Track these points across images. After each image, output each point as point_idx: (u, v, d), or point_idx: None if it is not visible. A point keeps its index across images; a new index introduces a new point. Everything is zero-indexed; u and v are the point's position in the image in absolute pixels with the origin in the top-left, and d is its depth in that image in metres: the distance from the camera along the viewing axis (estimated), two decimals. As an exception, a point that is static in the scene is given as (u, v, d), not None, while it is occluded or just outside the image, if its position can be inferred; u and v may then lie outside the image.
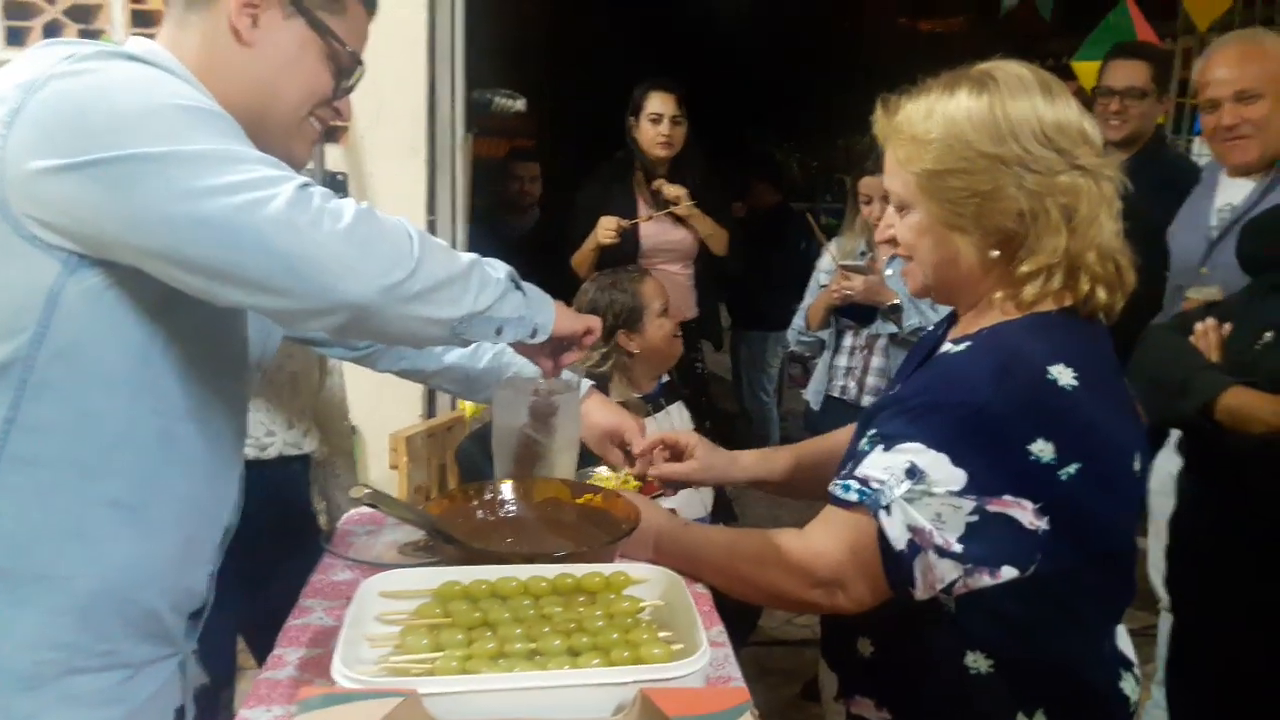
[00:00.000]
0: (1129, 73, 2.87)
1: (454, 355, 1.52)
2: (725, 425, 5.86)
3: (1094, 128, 1.18)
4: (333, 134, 2.90)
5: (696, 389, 3.66)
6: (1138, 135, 2.88)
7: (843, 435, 1.53)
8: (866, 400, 2.93)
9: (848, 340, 3.06)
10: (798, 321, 3.20)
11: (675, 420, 2.50)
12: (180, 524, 1.13)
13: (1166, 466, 2.21)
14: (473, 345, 1.48)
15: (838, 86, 10.31)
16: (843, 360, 3.07)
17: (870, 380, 2.97)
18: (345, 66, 1.18)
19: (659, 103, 3.44)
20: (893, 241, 1.26)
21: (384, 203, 2.96)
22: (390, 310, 1.01)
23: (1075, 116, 1.17)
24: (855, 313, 2.97)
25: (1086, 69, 3.84)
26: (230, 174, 0.95)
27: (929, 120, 1.17)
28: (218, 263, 0.96)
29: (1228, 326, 1.64)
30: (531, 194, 4.59)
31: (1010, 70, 1.18)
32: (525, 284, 1.18)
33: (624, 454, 1.58)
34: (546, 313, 1.20)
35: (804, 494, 1.57)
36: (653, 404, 2.46)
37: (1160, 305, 2.43)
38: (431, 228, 3.06)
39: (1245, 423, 1.46)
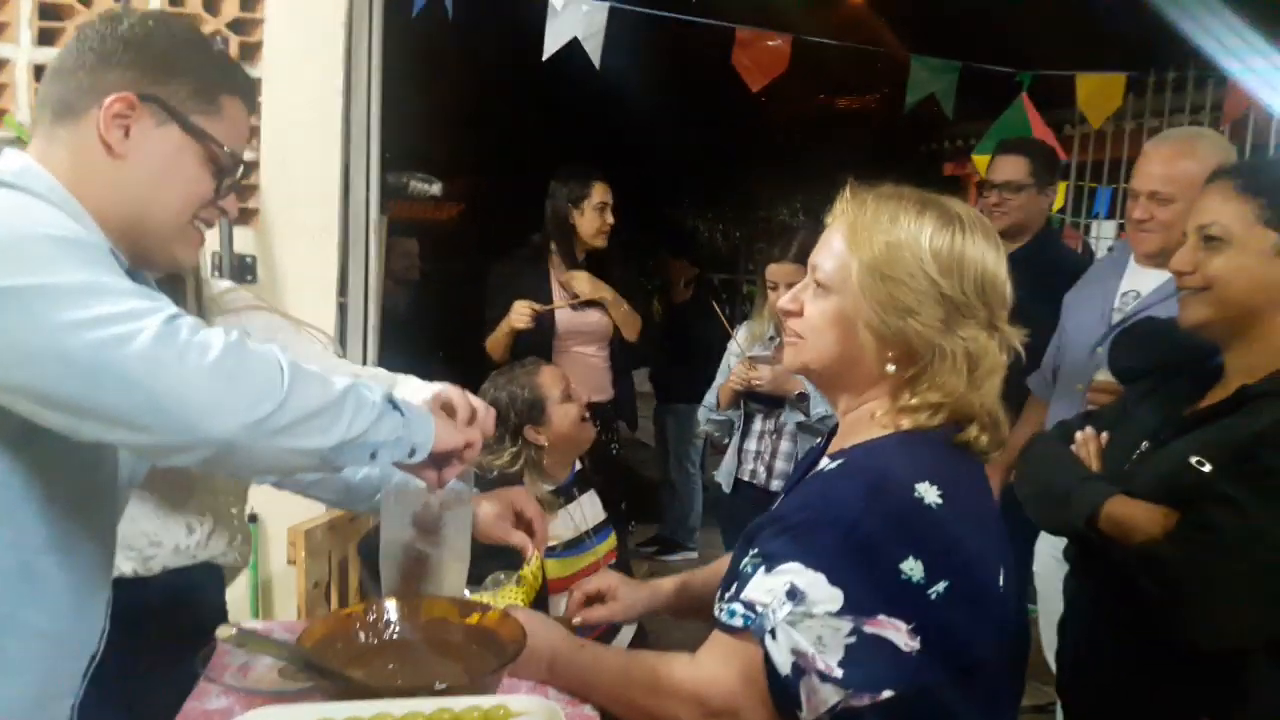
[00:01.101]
0: (1008, 168, 3.02)
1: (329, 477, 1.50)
2: (649, 498, 5.89)
3: (1011, 293, 1.23)
4: (243, 216, 2.86)
5: (611, 474, 3.65)
6: (1022, 226, 3.03)
7: None
8: (775, 485, 2.95)
9: (757, 424, 3.08)
10: (709, 400, 3.22)
11: (586, 510, 2.48)
12: (39, 660, 1.08)
13: (1047, 549, 2.26)
14: None
15: (758, 158, 10.59)
16: (752, 444, 3.10)
17: (779, 465, 3.00)
18: (226, 166, 1.17)
19: (603, 192, 3.52)
20: (794, 314, 1.28)
21: (295, 284, 2.93)
22: (257, 445, 0.99)
23: (1005, 278, 1.23)
24: (764, 398, 3.01)
25: (985, 162, 3.99)
26: (95, 307, 0.93)
27: (894, 225, 1.21)
28: (79, 399, 0.93)
29: (1105, 436, 1.70)
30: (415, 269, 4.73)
31: (977, 217, 1.25)
32: (404, 402, 1.17)
33: (525, 527, 1.59)
34: (426, 430, 1.19)
35: None
36: (564, 495, 2.43)
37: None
38: (343, 310, 3.02)
39: (1127, 532, 1.50)
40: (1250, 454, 1.42)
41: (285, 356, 1.03)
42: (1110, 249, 2.68)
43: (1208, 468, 1.46)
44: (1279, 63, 4.33)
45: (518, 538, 1.58)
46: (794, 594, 1.10)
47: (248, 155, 2.82)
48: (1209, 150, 2.31)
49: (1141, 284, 2.42)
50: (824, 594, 1.09)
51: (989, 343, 1.21)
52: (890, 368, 1.22)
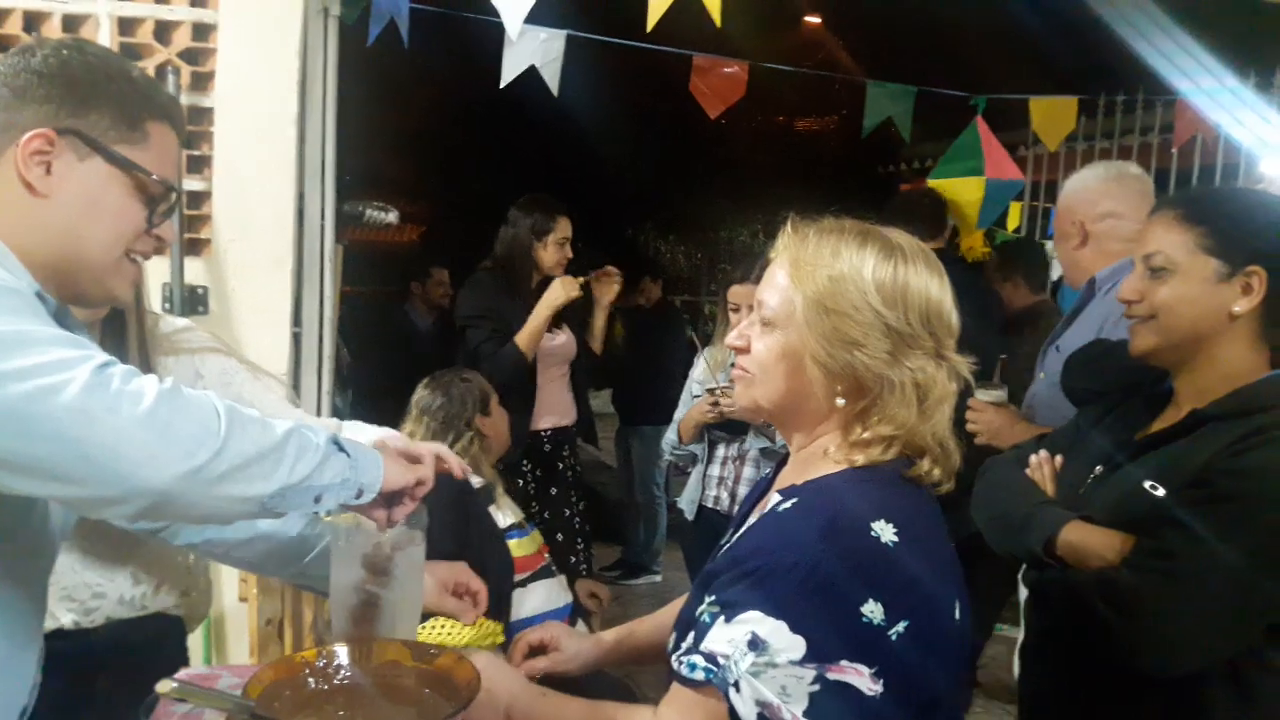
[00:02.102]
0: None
1: (265, 523, 1.46)
2: (612, 520, 5.86)
3: (957, 321, 1.23)
4: (195, 246, 2.81)
5: (568, 496, 3.63)
6: None
7: None
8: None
9: (720, 450, 3.08)
10: (670, 435, 3.21)
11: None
12: None
13: None
14: None
15: (718, 181, 10.66)
16: (715, 470, 3.09)
17: (741, 490, 2.99)
18: (156, 195, 1.13)
19: (566, 227, 3.57)
20: (742, 351, 1.28)
21: (248, 315, 2.89)
22: (193, 494, 0.96)
23: (951, 308, 1.23)
24: (728, 425, 3.01)
25: (941, 185, 4.05)
26: (21, 358, 0.90)
27: (835, 258, 1.20)
28: (8, 454, 0.90)
29: (1060, 459, 1.70)
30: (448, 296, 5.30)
31: (919, 247, 1.24)
32: (350, 442, 1.14)
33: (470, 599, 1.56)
34: (374, 471, 1.16)
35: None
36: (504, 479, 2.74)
37: None
38: (297, 341, 2.98)
39: (1083, 558, 1.51)
40: (1202, 479, 1.43)
41: (222, 402, 1.00)
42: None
43: (1161, 492, 1.47)
44: (1228, 84, 4.44)
45: (451, 604, 1.56)
46: (755, 644, 1.08)
47: (198, 185, 2.81)
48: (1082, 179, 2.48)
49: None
50: (786, 642, 1.08)
51: (937, 372, 1.20)
52: (840, 401, 1.21)
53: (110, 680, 1.49)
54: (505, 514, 2.68)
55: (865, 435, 1.19)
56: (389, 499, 1.23)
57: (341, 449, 1.11)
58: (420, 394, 2.70)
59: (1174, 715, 1.48)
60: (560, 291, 3.42)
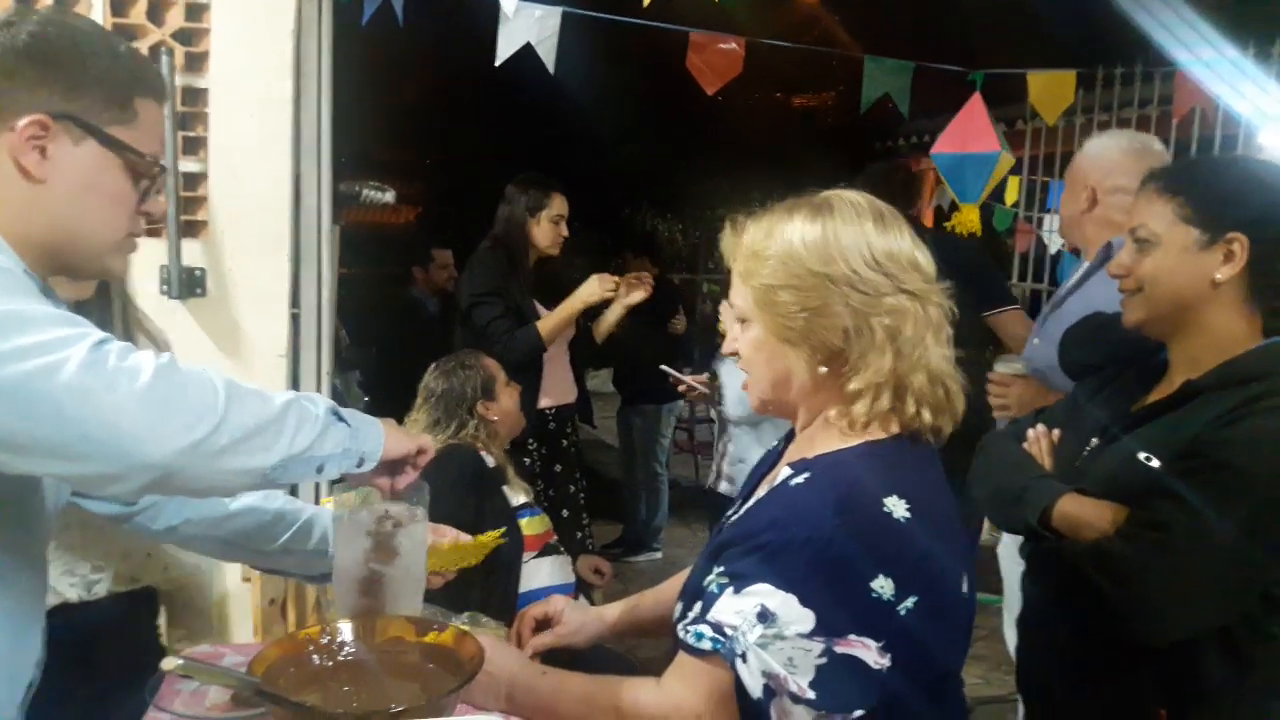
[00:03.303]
0: None
1: (248, 498, 1.47)
2: (613, 499, 5.89)
3: (926, 257, 1.24)
4: (191, 228, 2.81)
5: (572, 474, 3.66)
6: None
7: None
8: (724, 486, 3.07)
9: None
10: None
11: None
12: None
13: (1011, 543, 2.28)
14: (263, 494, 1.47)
15: (715, 158, 10.62)
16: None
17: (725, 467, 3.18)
18: (145, 173, 1.14)
19: (561, 204, 3.58)
20: (735, 354, 1.31)
21: (246, 297, 2.88)
22: (196, 467, 0.97)
23: (907, 246, 1.23)
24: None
25: (942, 162, 4.04)
26: (18, 338, 0.91)
27: (768, 239, 1.23)
28: (10, 434, 0.91)
29: (1057, 432, 1.71)
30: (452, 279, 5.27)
31: (847, 199, 1.25)
32: (350, 412, 1.15)
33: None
34: (374, 439, 1.17)
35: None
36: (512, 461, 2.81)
37: None
38: (295, 322, 2.98)
39: (1078, 529, 1.52)
40: (1196, 449, 1.44)
41: (220, 376, 1.01)
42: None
43: (1156, 463, 1.48)
44: (1227, 54, 4.42)
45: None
46: (765, 616, 1.09)
47: (194, 167, 2.81)
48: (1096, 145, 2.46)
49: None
50: (795, 615, 1.09)
51: (906, 304, 1.19)
52: (822, 369, 1.23)
53: (108, 654, 1.51)
54: (517, 494, 2.74)
55: (853, 387, 1.20)
56: (391, 467, 1.25)
57: (341, 419, 1.12)
58: (426, 379, 2.76)
59: (1171, 684, 1.50)
60: (596, 288, 3.44)
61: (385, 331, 5.42)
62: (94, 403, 0.91)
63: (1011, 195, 6.21)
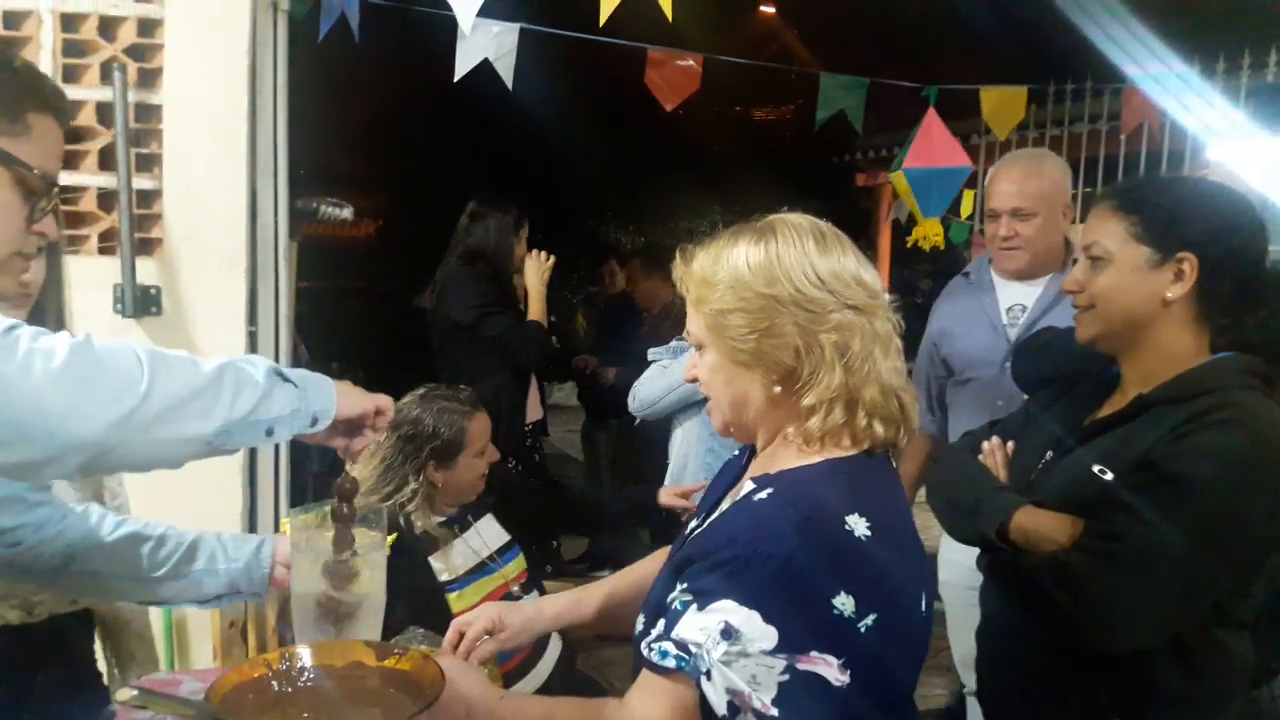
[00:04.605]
0: None
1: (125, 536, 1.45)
2: (582, 509, 5.86)
3: (871, 274, 1.26)
4: (146, 246, 2.77)
5: (540, 487, 3.68)
6: None
7: (651, 565, 1.55)
8: None
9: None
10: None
11: (485, 535, 2.45)
12: None
13: (956, 555, 2.30)
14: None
15: (677, 170, 10.67)
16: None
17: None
18: (37, 190, 1.11)
19: (526, 224, 3.77)
20: (695, 380, 1.32)
21: (202, 315, 2.85)
22: (130, 441, 0.95)
23: (850, 264, 1.25)
24: None
25: (900, 180, 4.10)
26: None
27: (716, 264, 1.26)
28: None
29: (1011, 444, 1.74)
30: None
31: (789, 221, 1.28)
32: (297, 372, 1.14)
33: None
34: (325, 398, 1.15)
35: (623, 629, 1.57)
36: (456, 524, 2.41)
37: None
38: (253, 339, 2.94)
39: (1036, 542, 1.54)
40: (1148, 462, 1.47)
41: (143, 347, 0.99)
42: (966, 273, 2.75)
43: (1109, 476, 1.50)
44: (1174, 70, 4.52)
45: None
46: (728, 633, 1.10)
47: (149, 184, 2.77)
48: (1054, 167, 2.51)
49: (1020, 297, 2.54)
50: (758, 632, 1.09)
51: (852, 319, 1.21)
52: (776, 389, 1.24)
53: (50, 677, 1.47)
54: (446, 568, 2.32)
55: (808, 403, 1.21)
56: (348, 429, 1.23)
57: (286, 379, 1.10)
58: (407, 401, 2.38)
59: (1126, 692, 1.53)
60: (538, 265, 3.61)
61: (347, 345, 5.38)
62: (11, 387, 0.89)
63: (966, 208, 6.30)
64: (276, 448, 2.93)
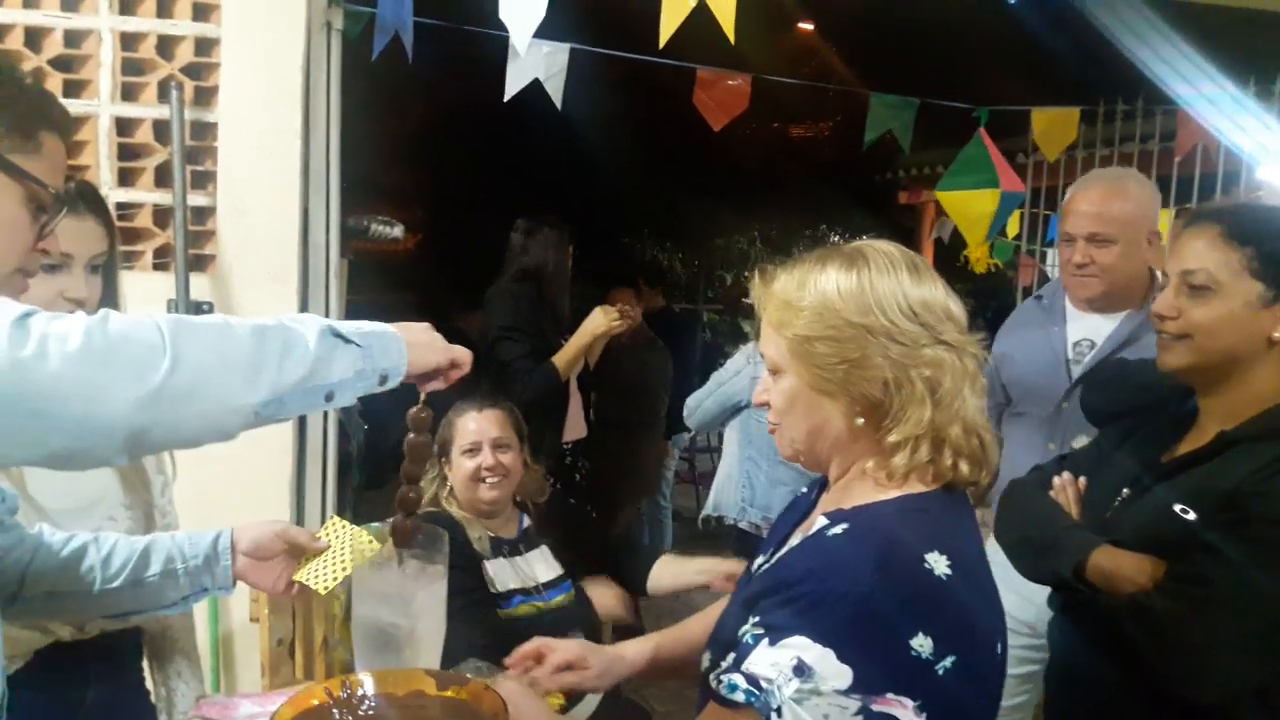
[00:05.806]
0: None
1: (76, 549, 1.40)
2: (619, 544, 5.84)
3: (958, 306, 1.23)
4: (199, 262, 2.79)
5: (584, 508, 3.63)
6: None
7: (717, 611, 1.51)
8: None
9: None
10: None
11: (536, 566, 2.42)
12: None
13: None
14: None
15: (715, 188, 10.66)
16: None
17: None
18: (47, 207, 1.09)
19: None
20: (766, 405, 1.28)
21: (252, 331, 2.86)
22: (166, 417, 0.91)
23: (940, 295, 1.21)
24: None
25: (949, 198, 4.04)
26: None
27: (801, 290, 1.21)
28: None
29: (1083, 481, 1.68)
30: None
31: (880, 248, 1.23)
32: (359, 327, 1.08)
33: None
34: (395, 354, 1.10)
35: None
36: (507, 547, 2.39)
37: None
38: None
39: (1115, 583, 1.49)
40: (1233, 502, 1.42)
41: (166, 316, 0.94)
42: (1039, 296, 2.63)
43: (1192, 516, 1.45)
44: (1228, 90, 4.44)
45: None
46: (801, 670, 1.06)
47: (203, 201, 2.79)
48: (1139, 189, 2.32)
49: (1091, 331, 2.37)
50: (832, 670, 1.06)
51: (944, 356, 1.18)
52: (859, 421, 1.20)
53: (101, 694, 1.46)
54: (501, 574, 2.34)
55: (892, 439, 1.18)
56: (420, 380, 1.18)
57: (346, 339, 1.04)
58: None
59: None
60: (602, 320, 3.41)
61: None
62: (30, 378, 0.86)
63: (1013, 228, 6.22)
64: (324, 452, 2.93)
